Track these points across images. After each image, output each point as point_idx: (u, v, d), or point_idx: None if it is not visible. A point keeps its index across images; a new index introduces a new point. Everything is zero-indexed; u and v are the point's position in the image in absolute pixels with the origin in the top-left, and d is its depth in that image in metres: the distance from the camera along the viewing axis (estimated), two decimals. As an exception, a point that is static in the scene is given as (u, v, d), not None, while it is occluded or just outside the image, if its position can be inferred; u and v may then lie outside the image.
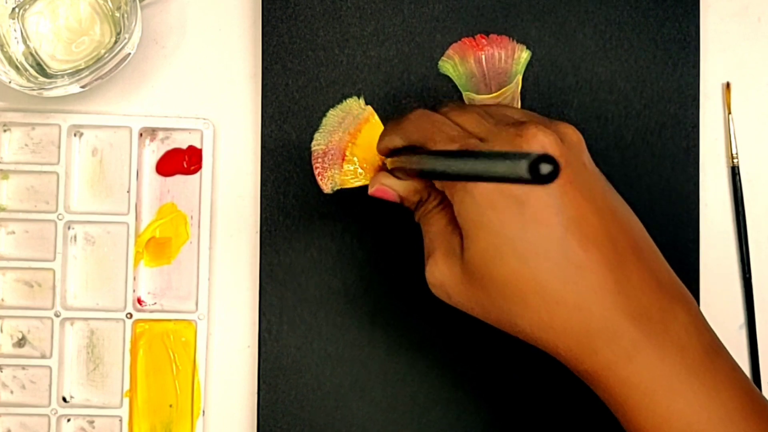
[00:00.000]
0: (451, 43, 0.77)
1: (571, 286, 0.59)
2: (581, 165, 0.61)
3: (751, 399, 0.60)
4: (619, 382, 0.59)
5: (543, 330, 0.60)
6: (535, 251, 0.59)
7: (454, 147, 0.61)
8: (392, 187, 0.66)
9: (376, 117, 0.77)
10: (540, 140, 0.59)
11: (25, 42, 0.74)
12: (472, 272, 0.61)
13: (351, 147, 0.77)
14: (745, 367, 0.78)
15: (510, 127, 0.61)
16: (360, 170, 0.76)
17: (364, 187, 0.76)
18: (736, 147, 0.79)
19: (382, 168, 0.73)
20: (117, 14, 0.74)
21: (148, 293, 0.79)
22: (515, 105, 0.77)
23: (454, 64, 0.77)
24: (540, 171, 0.45)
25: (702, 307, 0.77)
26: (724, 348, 0.62)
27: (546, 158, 0.45)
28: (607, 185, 0.63)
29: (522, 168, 0.46)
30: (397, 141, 0.67)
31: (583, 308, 0.59)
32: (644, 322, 0.59)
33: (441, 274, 0.63)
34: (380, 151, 0.69)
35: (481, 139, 0.61)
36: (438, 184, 0.64)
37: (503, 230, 0.59)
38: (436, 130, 0.63)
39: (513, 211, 0.58)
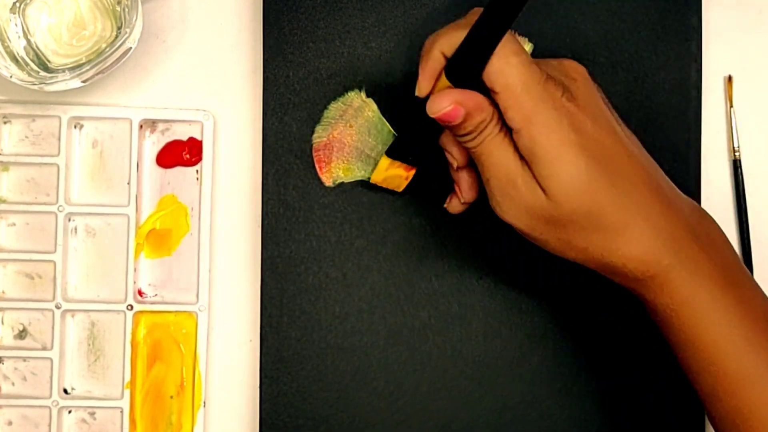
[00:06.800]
0: (452, 36, 0.77)
1: (642, 202, 0.64)
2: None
3: None
4: (680, 282, 0.64)
5: (613, 250, 0.64)
6: (612, 171, 0.63)
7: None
8: (462, 102, 0.63)
9: (377, 110, 0.77)
10: (581, 69, 0.66)
11: (25, 36, 0.74)
12: (556, 199, 0.63)
13: (352, 139, 0.77)
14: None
15: (549, 59, 0.67)
16: (360, 163, 0.77)
17: (364, 179, 0.76)
18: (738, 140, 0.79)
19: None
20: (118, 9, 0.74)
21: (149, 285, 0.79)
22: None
23: (455, 56, 0.77)
24: None
25: (703, 300, 0.77)
26: (743, 262, 0.68)
27: None
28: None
29: None
30: (459, 32, 0.64)
31: (649, 214, 0.64)
32: (689, 226, 0.65)
33: (526, 203, 0.64)
34: (438, 50, 0.65)
35: None
36: (506, 101, 0.63)
37: (586, 153, 0.63)
38: None
39: (588, 131, 0.63)
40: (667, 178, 0.67)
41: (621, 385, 0.77)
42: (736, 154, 0.79)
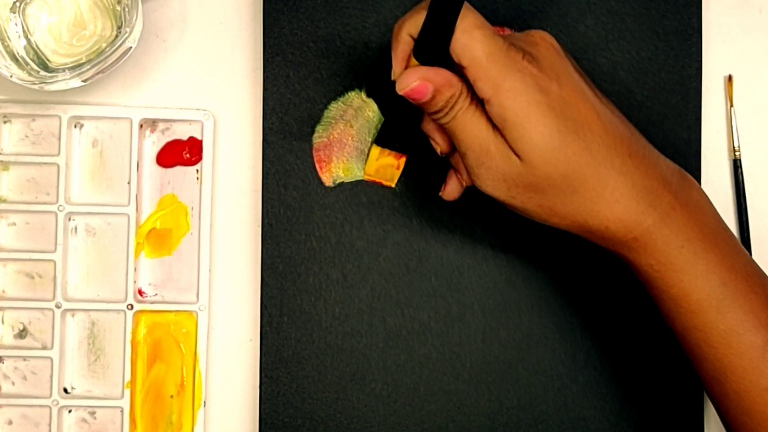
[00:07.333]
0: (452, 35, 0.77)
1: (616, 159, 0.65)
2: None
3: (752, 266, 0.67)
4: (663, 242, 0.65)
5: (594, 213, 0.66)
6: (584, 130, 0.64)
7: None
8: (429, 78, 0.65)
9: (378, 110, 0.77)
10: (547, 37, 0.67)
11: (26, 36, 0.74)
12: (531, 163, 0.64)
13: (352, 139, 0.77)
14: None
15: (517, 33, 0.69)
16: (360, 163, 0.77)
17: (364, 179, 0.76)
18: (738, 140, 0.79)
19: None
20: (118, 8, 0.74)
21: (149, 284, 0.79)
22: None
23: (455, 56, 0.77)
24: None
25: (703, 300, 0.77)
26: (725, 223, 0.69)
27: None
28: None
29: None
30: (422, 13, 0.65)
31: (627, 174, 0.65)
32: (670, 186, 0.66)
33: (502, 171, 0.65)
34: (406, 32, 0.67)
35: None
36: (476, 74, 0.64)
37: (554, 113, 0.64)
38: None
39: (555, 92, 0.64)
40: (646, 141, 0.68)
41: (619, 389, 0.77)
42: (736, 153, 0.79)
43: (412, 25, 0.66)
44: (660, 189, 0.65)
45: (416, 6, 0.66)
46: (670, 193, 0.66)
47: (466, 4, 0.63)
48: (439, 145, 0.70)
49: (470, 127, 0.65)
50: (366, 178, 0.76)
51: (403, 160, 0.74)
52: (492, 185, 0.66)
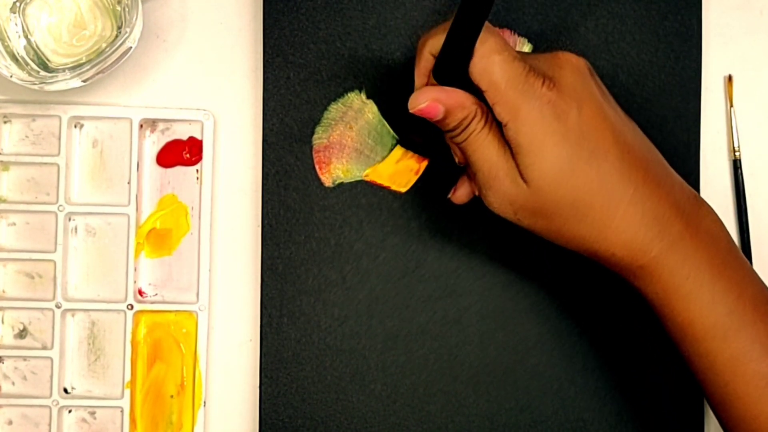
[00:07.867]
0: (452, 36, 0.77)
1: (629, 186, 0.65)
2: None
3: (763, 294, 0.67)
4: (669, 271, 0.65)
5: (601, 240, 0.66)
6: (599, 158, 0.64)
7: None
8: (441, 100, 0.65)
9: (378, 111, 0.77)
10: (573, 59, 0.66)
11: (26, 36, 0.74)
12: (538, 190, 0.64)
13: (352, 141, 0.77)
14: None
15: (544, 53, 0.68)
16: (360, 164, 0.77)
17: (364, 181, 0.76)
18: (738, 140, 0.79)
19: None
20: (118, 8, 0.74)
21: (149, 284, 0.79)
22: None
23: (455, 56, 0.77)
24: None
25: (702, 302, 0.77)
26: (739, 250, 0.68)
27: None
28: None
29: None
30: (441, 34, 0.66)
31: (638, 203, 0.65)
32: (682, 214, 0.66)
33: (509, 195, 0.65)
34: (428, 51, 0.67)
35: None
36: (494, 98, 0.64)
37: (569, 141, 0.64)
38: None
39: (573, 119, 0.64)
40: (665, 165, 0.68)
41: (618, 392, 0.77)
42: (736, 154, 0.79)
43: (434, 44, 0.66)
44: (671, 217, 0.65)
45: (439, 25, 0.66)
46: (681, 221, 0.65)
47: (488, 26, 0.63)
48: (457, 155, 0.70)
49: (482, 149, 0.65)
50: (369, 179, 0.76)
51: (424, 164, 0.74)
52: (499, 207, 0.66)
